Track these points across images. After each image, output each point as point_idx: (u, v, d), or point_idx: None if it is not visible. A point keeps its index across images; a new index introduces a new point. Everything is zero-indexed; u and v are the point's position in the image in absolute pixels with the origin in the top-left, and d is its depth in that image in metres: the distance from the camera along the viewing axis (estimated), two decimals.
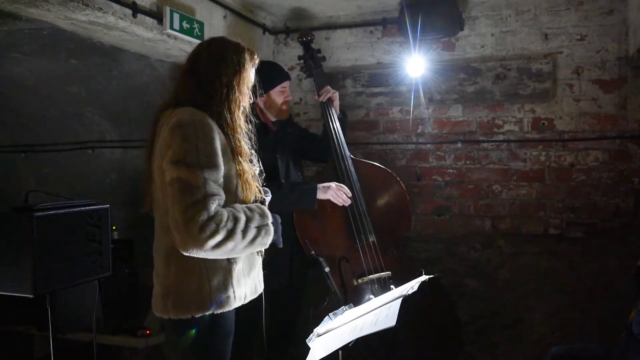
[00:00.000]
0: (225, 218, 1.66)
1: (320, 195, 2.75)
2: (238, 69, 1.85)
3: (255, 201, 1.87)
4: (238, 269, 1.82)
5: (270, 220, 1.83)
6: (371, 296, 2.10)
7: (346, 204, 2.80)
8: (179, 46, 2.86)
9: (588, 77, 3.18)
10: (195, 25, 2.80)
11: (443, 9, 3.20)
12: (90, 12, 2.30)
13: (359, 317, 1.77)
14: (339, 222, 2.87)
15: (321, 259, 2.62)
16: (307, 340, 1.82)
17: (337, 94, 3.05)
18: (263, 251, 1.93)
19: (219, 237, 1.63)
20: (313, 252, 2.67)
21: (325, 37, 3.63)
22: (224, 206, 1.70)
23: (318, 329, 1.85)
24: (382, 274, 2.86)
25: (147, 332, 2.98)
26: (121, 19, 2.42)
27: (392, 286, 2.28)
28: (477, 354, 3.41)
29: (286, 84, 2.93)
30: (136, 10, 2.47)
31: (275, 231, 1.86)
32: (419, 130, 3.53)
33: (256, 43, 3.56)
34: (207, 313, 1.76)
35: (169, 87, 1.97)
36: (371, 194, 2.98)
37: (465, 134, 3.43)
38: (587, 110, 3.20)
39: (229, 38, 1.94)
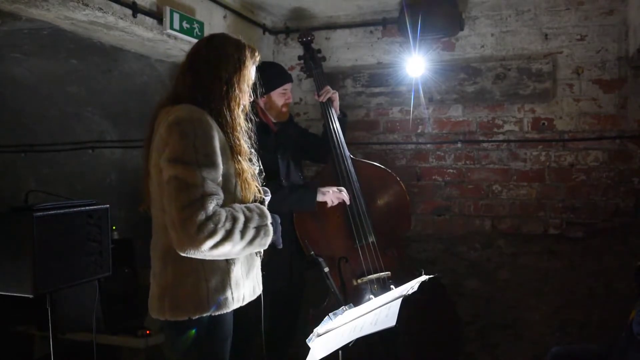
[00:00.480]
0: (223, 218, 1.63)
1: (320, 198, 2.76)
2: (238, 66, 1.82)
3: (255, 201, 1.84)
4: (236, 270, 1.79)
5: (269, 220, 1.80)
6: (371, 296, 2.10)
7: (347, 202, 2.81)
8: (179, 46, 2.86)
9: (588, 77, 3.18)
10: (195, 25, 2.80)
11: (443, 9, 3.20)
12: (90, 12, 2.30)
13: (359, 317, 1.77)
14: (339, 222, 2.87)
15: (321, 259, 2.62)
16: (307, 340, 1.82)
17: (337, 94, 3.05)
18: (262, 252, 1.90)
19: (216, 238, 1.60)
20: (313, 252, 2.68)
21: (325, 37, 3.63)
22: (222, 206, 1.67)
23: (318, 329, 1.85)
24: (381, 274, 2.85)
25: (147, 332, 2.98)
26: (121, 19, 2.42)
27: (391, 286, 2.28)
28: (477, 354, 3.41)
29: (288, 86, 2.93)
30: (136, 10, 2.47)
31: (275, 232, 1.83)
32: (419, 130, 3.53)
33: (256, 43, 3.56)
34: (205, 315, 1.73)
35: (168, 87, 1.93)
36: (371, 194, 2.98)
37: (465, 134, 3.43)
38: (587, 110, 3.20)
39: (229, 34, 1.91)
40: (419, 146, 3.53)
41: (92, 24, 2.45)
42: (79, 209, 2.30)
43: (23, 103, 3.99)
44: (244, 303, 1.85)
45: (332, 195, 2.77)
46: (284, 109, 2.92)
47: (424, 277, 1.82)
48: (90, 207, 2.35)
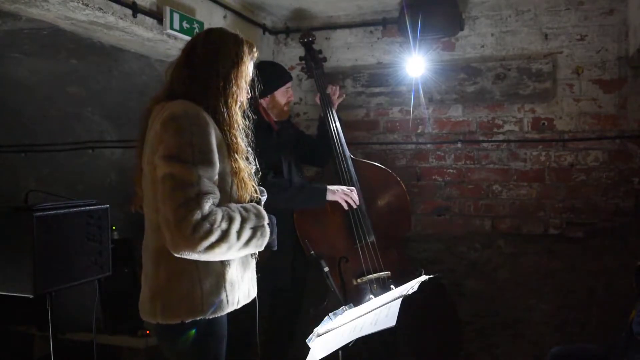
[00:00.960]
0: (219, 218, 1.57)
1: (330, 197, 2.75)
2: (236, 62, 1.76)
3: (251, 201, 1.78)
4: (231, 272, 1.73)
5: (266, 221, 1.75)
6: (371, 296, 2.10)
7: (354, 206, 2.80)
8: (179, 46, 2.83)
9: (588, 77, 3.18)
10: (195, 26, 2.80)
11: (443, 9, 3.20)
12: (90, 12, 2.30)
13: (359, 317, 1.77)
14: (339, 222, 2.87)
15: (321, 259, 2.62)
16: (307, 340, 1.82)
17: (337, 89, 3.07)
18: (257, 253, 1.84)
19: (212, 238, 1.55)
20: (313, 252, 2.68)
21: (325, 37, 3.63)
22: (217, 205, 1.61)
23: (318, 329, 1.84)
24: (381, 273, 2.86)
25: (147, 332, 2.98)
26: (121, 19, 2.42)
27: (391, 286, 2.29)
28: (477, 354, 3.41)
29: (289, 84, 2.96)
30: (136, 10, 2.47)
31: (271, 233, 1.77)
32: (419, 130, 3.53)
33: (256, 43, 3.53)
34: (199, 318, 1.67)
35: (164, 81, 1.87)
36: (371, 194, 2.98)
37: (465, 134, 3.43)
38: (587, 110, 3.20)
39: (227, 29, 1.85)
40: (419, 146, 3.53)
41: (92, 24, 2.45)
42: (79, 209, 2.30)
43: (23, 103, 3.99)
44: (239, 306, 1.78)
45: (342, 195, 2.77)
46: (286, 108, 2.95)
47: (423, 277, 1.82)
48: (90, 207, 2.35)
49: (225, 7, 3.14)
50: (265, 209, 1.80)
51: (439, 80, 3.38)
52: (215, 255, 1.61)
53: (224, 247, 1.58)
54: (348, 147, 3.02)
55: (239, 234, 1.63)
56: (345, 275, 2.81)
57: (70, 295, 2.73)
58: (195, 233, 1.52)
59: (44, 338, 3.22)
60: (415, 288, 1.71)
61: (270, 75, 2.90)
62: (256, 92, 1.93)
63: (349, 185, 2.86)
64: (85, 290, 2.62)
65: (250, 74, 1.85)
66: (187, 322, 1.66)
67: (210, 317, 1.69)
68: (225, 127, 1.71)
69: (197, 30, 2.81)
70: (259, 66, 3.02)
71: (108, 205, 2.43)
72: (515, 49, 3.30)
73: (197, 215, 1.53)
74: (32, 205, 2.14)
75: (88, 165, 4.14)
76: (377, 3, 3.39)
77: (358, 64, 3.62)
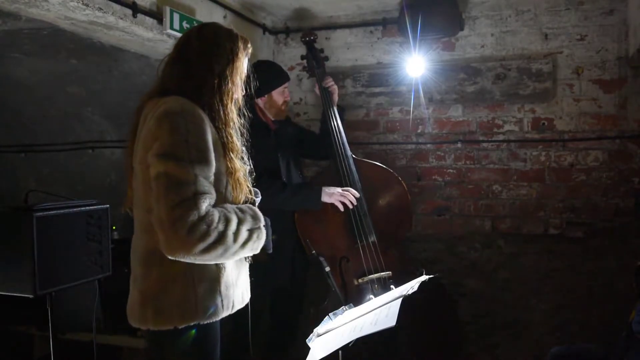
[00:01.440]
0: (216, 219, 1.51)
1: (325, 199, 2.75)
2: (231, 58, 1.70)
3: (245, 202, 1.73)
4: (226, 275, 1.66)
5: (262, 223, 1.69)
6: (371, 296, 2.10)
7: (351, 206, 2.80)
8: None
9: (588, 77, 3.18)
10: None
11: (443, 9, 3.20)
12: (90, 12, 2.30)
13: (359, 317, 1.77)
14: (340, 222, 2.87)
15: (322, 259, 2.63)
16: (307, 340, 1.82)
17: (336, 87, 3.07)
18: (250, 257, 1.76)
19: (209, 240, 1.48)
20: (314, 251, 2.68)
21: (325, 37, 3.63)
22: (212, 206, 1.55)
23: (318, 329, 1.84)
24: (382, 273, 2.86)
25: None
26: (121, 19, 2.42)
27: (392, 286, 2.29)
28: (477, 354, 3.41)
29: (287, 84, 2.96)
30: (136, 10, 2.47)
31: (267, 235, 1.72)
32: (419, 130, 3.53)
33: (256, 43, 3.56)
34: (192, 324, 1.59)
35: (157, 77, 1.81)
36: (372, 194, 2.98)
37: (465, 134, 3.43)
38: (587, 110, 3.20)
39: (221, 24, 1.80)
40: (419, 146, 3.53)
41: (92, 24, 2.45)
42: (79, 209, 2.30)
43: (23, 103, 3.99)
44: (233, 311, 1.71)
45: (338, 197, 2.77)
46: (284, 107, 2.94)
47: (424, 277, 1.82)
48: (90, 207, 2.35)
49: (225, 7, 3.14)
50: (261, 210, 1.74)
51: (439, 80, 3.38)
52: (211, 258, 1.53)
53: (220, 249, 1.52)
54: (349, 146, 3.02)
55: (236, 235, 1.57)
56: (346, 275, 2.81)
57: (70, 295, 2.73)
58: (192, 234, 1.45)
59: (44, 338, 3.22)
60: (415, 288, 1.71)
61: (267, 75, 2.89)
62: (252, 90, 1.86)
63: (351, 185, 2.86)
64: (85, 290, 2.62)
65: (245, 70, 1.79)
66: (180, 327, 1.59)
67: (205, 322, 1.62)
68: (220, 125, 1.65)
69: None
70: (256, 66, 3.02)
71: (108, 205, 2.43)
72: (515, 49, 3.30)
73: (194, 216, 1.46)
74: (32, 205, 2.13)
75: (88, 165, 4.15)
76: (377, 3, 3.39)
77: (358, 64, 3.62)
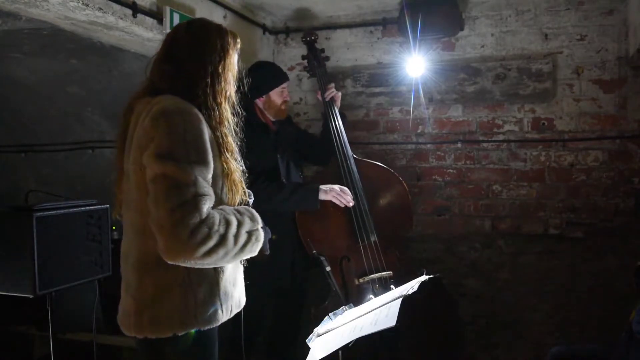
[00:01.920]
0: (217, 221, 1.46)
1: (322, 197, 2.75)
2: (222, 55, 1.65)
3: (241, 203, 1.69)
4: (225, 279, 1.61)
5: (260, 224, 1.65)
6: (371, 296, 2.10)
7: (349, 205, 2.80)
8: None
9: (588, 77, 3.18)
10: None
11: (443, 9, 3.20)
12: (90, 12, 2.30)
13: (359, 317, 1.77)
14: (341, 222, 2.87)
15: (323, 258, 2.63)
16: (307, 340, 1.82)
17: (339, 94, 3.07)
18: (245, 260, 1.73)
19: (211, 243, 1.43)
20: (315, 251, 2.68)
21: (325, 37, 3.63)
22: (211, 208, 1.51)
23: (318, 329, 1.84)
24: (383, 273, 2.86)
25: None
26: (121, 19, 2.42)
27: (392, 286, 2.29)
28: (477, 354, 3.41)
29: (285, 84, 2.95)
30: (136, 10, 2.47)
31: (264, 236, 1.68)
32: (419, 130, 3.53)
33: (256, 43, 3.57)
34: (192, 330, 1.54)
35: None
36: (373, 194, 2.98)
37: (465, 134, 3.43)
38: (587, 110, 3.20)
39: (209, 20, 1.74)
40: (419, 146, 3.53)
41: (92, 24, 2.45)
42: (79, 209, 2.30)
43: (23, 103, 3.99)
44: (231, 316, 1.67)
45: (336, 193, 2.76)
46: (283, 107, 2.94)
47: (424, 277, 1.82)
48: (90, 207, 2.35)
49: (225, 7, 3.14)
50: (259, 211, 1.72)
51: (439, 80, 3.38)
52: (211, 262, 1.49)
53: (221, 252, 1.47)
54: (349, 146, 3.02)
55: (236, 238, 1.52)
56: (347, 275, 2.81)
57: (70, 295, 2.73)
58: (193, 238, 1.40)
59: (44, 338, 3.22)
60: (415, 288, 1.71)
61: (265, 75, 2.90)
62: (245, 87, 1.80)
63: (351, 185, 2.86)
64: (85, 290, 2.62)
65: (236, 66, 1.74)
66: (180, 334, 1.53)
67: (205, 328, 1.57)
68: (215, 124, 1.61)
69: None
70: (255, 66, 3.03)
71: (108, 205, 2.43)
72: (515, 49, 3.30)
73: (195, 219, 1.42)
74: (32, 205, 2.14)
75: (88, 165, 4.14)
76: (377, 3, 3.39)
77: (358, 64, 3.62)
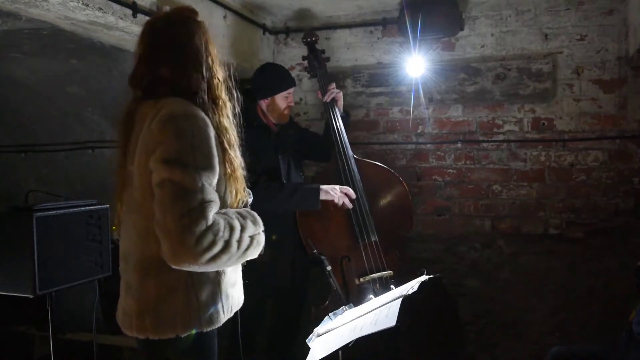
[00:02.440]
0: (222, 227, 1.49)
1: (323, 196, 2.75)
2: (207, 51, 1.64)
3: (241, 203, 1.70)
4: (226, 280, 1.64)
5: (262, 228, 1.67)
6: (371, 296, 2.10)
7: (349, 207, 2.80)
8: None
9: (588, 77, 3.18)
10: None
11: (443, 9, 3.20)
12: (90, 12, 2.30)
13: (359, 317, 1.77)
14: (342, 221, 2.87)
15: (323, 258, 2.63)
16: (307, 340, 1.82)
17: (341, 94, 3.07)
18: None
19: (216, 249, 1.46)
20: (315, 250, 2.68)
21: (325, 37, 3.63)
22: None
23: (318, 329, 1.85)
24: (383, 273, 2.86)
25: None
26: (121, 19, 2.42)
27: (392, 286, 2.29)
28: (477, 354, 3.41)
29: (292, 90, 2.94)
30: (136, 10, 2.46)
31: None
32: (419, 130, 3.53)
33: (256, 43, 3.57)
34: (194, 332, 1.56)
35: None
36: (374, 194, 2.98)
37: (465, 134, 3.43)
38: (587, 110, 3.20)
39: (181, 13, 1.70)
40: (419, 146, 3.53)
41: (92, 24, 2.45)
42: (79, 209, 2.30)
43: (23, 103, 3.98)
44: (231, 315, 1.69)
45: (337, 193, 2.76)
46: (286, 112, 2.93)
47: (424, 277, 1.82)
48: (90, 207, 2.35)
49: (225, 7, 3.13)
50: (260, 211, 1.73)
51: (439, 80, 3.38)
52: (215, 267, 1.52)
53: (225, 257, 1.49)
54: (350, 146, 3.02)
55: (239, 243, 1.54)
56: (347, 275, 2.81)
57: (70, 295, 2.73)
58: (199, 245, 1.42)
59: (44, 338, 3.22)
60: (415, 288, 1.71)
61: (272, 78, 2.89)
62: (233, 79, 1.75)
63: (352, 185, 2.86)
64: (85, 290, 2.62)
65: (216, 51, 1.71)
66: (182, 336, 1.55)
67: (208, 329, 1.59)
68: (217, 119, 1.62)
69: None
70: (263, 68, 3.03)
71: (108, 205, 2.43)
72: (515, 49, 3.30)
73: (202, 226, 1.43)
74: (32, 205, 2.14)
75: (88, 165, 4.14)
76: (377, 3, 3.39)
77: (358, 64, 3.62)
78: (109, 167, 4.10)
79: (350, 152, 2.96)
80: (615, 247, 3.15)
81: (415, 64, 3.27)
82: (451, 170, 3.47)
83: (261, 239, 1.66)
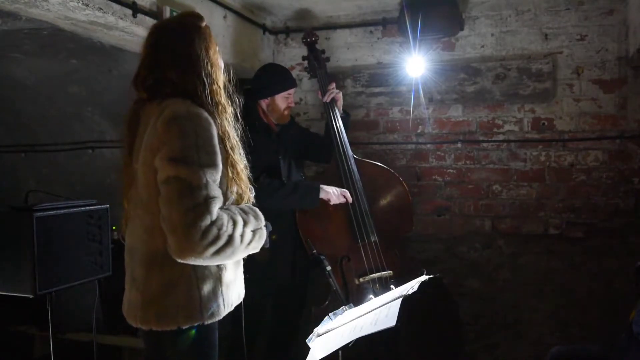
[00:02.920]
0: (225, 222, 1.54)
1: (323, 195, 2.76)
2: (207, 53, 1.68)
3: (243, 200, 1.74)
4: (227, 275, 1.69)
5: (264, 223, 1.73)
6: (371, 296, 2.10)
7: (348, 200, 2.80)
8: None
9: (588, 77, 3.18)
10: None
11: (443, 9, 3.20)
12: (90, 12, 2.30)
13: (359, 317, 1.77)
14: (341, 221, 2.87)
15: (323, 258, 2.63)
16: (307, 340, 1.82)
17: (340, 94, 3.07)
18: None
19: (220, 244, 1.51)
20: (315, 250, 2.68)
21: (325, 37, 3.63)
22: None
23: (318, 329, 1.85)
24: (383, 273, 2.86)
25: None
26: (121, 19, 2.42)
27: (392, 286, 2.29)
28: (477, 354, 3.41)
29: (292, 90, 2.94)
30: (136, 10, 2.47)
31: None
32: (419, 130, 3.53)
33: (256, 43, 3.57)
34: (196, 324, 1.62)
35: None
36: (374, 194, 2.98)
37: (465, 134, 3.43)
38: (587, 110, 3.20)
39: (186, 17, 1.74)
40: (419, 146, 3.53)
41: (92, 24, 2.45)
42: (79, 209, 2.30)
43: (23, 103, 3.98)
44: (232, 308, 1.74)
45: (335, 193, 2.77)
46: (286, 112, 2.93)
47: (424, 277, 1.82)
48: (90, 207, 2.35)
49: (225, 7, 3.13)
50: (261, 209, 1.76)
51: (439, 80, 3.38)
52: (218, 260, 1.57)
53: (228, 251, 1.55)
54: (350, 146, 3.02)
55: (242, 237, 1.60)
56: (347, 275, 2.81)
57: (70, 295, 2.73)
58: (204, 239, 1.48)
59: (44, 338, 3.22)
60: (415, 288, 1.71)
61: (273, 78, 2.89)
62: (232, 81, 1.78)
63: (352, 185, 2.86)
64: (85, 290, 2.62)
65: (219, 56, 1.75)
66: (184, 328, 1.61)
67: (208, 322, 1.64)
68: (219, 121, 1.65)
69: None
70: (266, 67, 3.03)
71: (108, 205, 2.43)
72: (515, 49, 3.30)
73: (206, 221, 1.49)
74: (32, 205, 2.14)
75: (88, 165, 4.14)
76: (377, 3, 3.39)
77: (358, 64, 3.62)
78: (109, 167, 4.12)
79: (350, 152, 2.96)
80: (615, 247, 3.15)
81: (415, 64, 3.27)
82: (451, 170, 3.47)
83: (263, 233, 1.71)
